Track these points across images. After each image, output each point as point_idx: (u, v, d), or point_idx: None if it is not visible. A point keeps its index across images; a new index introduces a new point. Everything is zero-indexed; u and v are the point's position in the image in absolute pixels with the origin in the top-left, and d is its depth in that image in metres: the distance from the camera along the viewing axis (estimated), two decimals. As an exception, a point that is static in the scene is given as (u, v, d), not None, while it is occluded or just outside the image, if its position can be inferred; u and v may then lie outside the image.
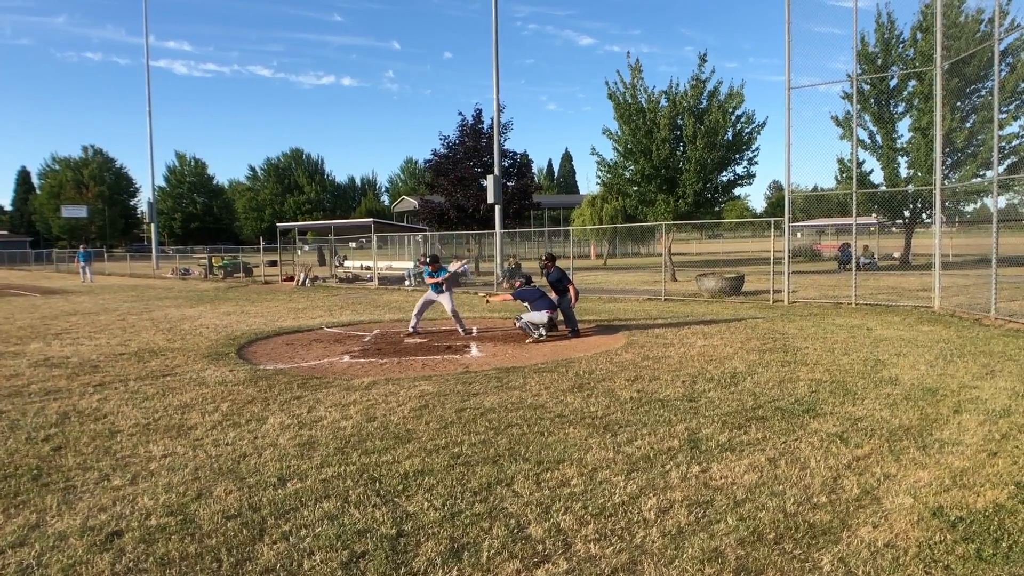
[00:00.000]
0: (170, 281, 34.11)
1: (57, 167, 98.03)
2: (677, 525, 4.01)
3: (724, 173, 26.75)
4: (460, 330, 12.29)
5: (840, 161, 29.37)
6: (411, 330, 12.33)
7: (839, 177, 29.62)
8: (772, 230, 18.13)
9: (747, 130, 25.78)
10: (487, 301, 15.25)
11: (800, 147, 16.32)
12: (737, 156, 26.27)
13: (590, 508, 4.26)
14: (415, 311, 12.56)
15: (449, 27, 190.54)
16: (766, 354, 9.53)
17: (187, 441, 5.86)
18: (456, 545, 3.79)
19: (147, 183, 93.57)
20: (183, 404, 7.19)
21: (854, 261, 17.19)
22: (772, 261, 17.39)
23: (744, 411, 6.50)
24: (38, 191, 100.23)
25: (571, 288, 12.10)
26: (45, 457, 5.48)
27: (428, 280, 12.70)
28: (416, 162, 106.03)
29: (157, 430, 6.22)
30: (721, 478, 4.75)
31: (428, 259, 13.26)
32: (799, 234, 45.20)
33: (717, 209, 29.13)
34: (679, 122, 25.63)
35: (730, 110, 25.28)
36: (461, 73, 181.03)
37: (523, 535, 3.91)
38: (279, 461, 5.28)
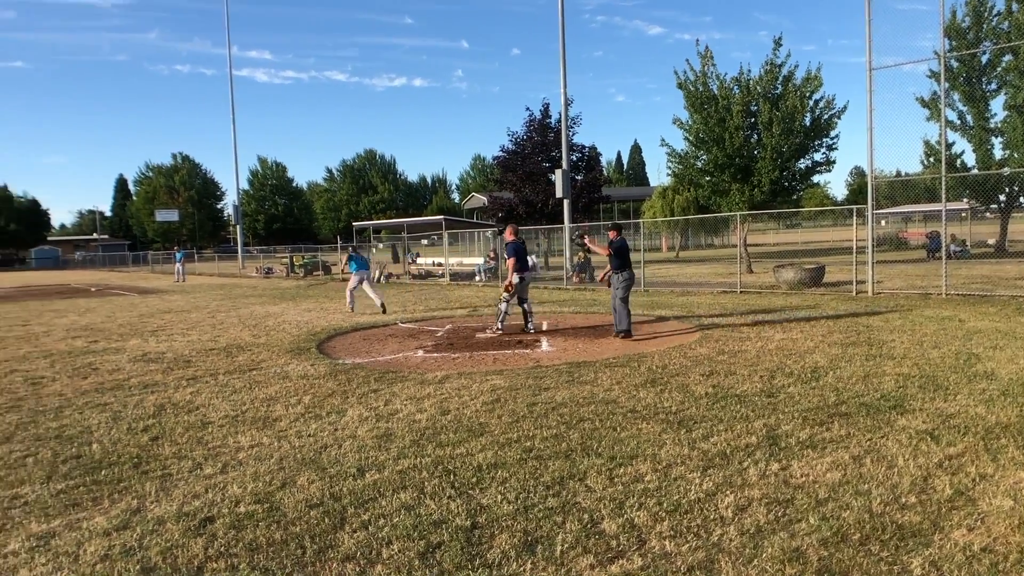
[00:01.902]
0: (255, 280, 35.46)
1: (151, 174, 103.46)
2: (756, 523, 3.92)
3: (802, 160, 25.83)
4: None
5: (927, 144, 28.00)
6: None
7: (926, 161, 28.22)
8: (854, 218, 17.42)
9: (826, 115, 24.84)
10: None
11: (883, 131, 15.72)
12: (816, 142, 25.33)
13: (665, 504, 4.21)
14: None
15: (516, 24, 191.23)
16: (849, 348, 9.20)
17: (272, 432, 6.10)
18: (529, 538, 3.82)
19: (232, 187, 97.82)
20: (268, 397, 7.49)
21: (944, 249, 16.35)
22: (855, 251, 16.72)
23: (826, 407, 6.30)
24: (134, 197, 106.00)
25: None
26: (144, 446, 5.81)
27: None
28: (485, 159, 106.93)
29: (245, 422, 6.50)
30: (802, 476, 4.62)
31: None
32: (883, 222, 43.34)
33: (795, 198, 28.21)
34: (753, 109, 24.92)
35: (807, 95, 24.38)
36: (529, 69, 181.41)
37: (596, 530, 3.90)
38: (358, 452, 5.43)
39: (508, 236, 12.07)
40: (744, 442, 5.35)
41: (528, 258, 16.33)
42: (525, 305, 12.03)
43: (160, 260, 55.86)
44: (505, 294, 11.80)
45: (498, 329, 11.70)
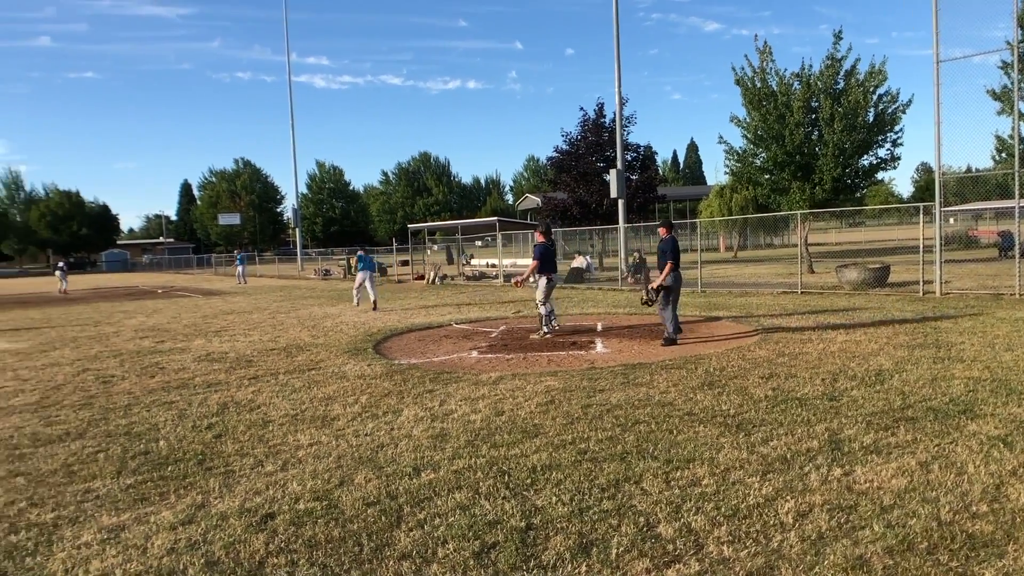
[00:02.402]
0: (313, 281, 36.24)
1: (214, 179, 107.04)
2: (817, 530, 3.82)
3: (865, 157, 25.04)
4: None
5: (998, 138, 26.76)
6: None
7: (997, 156, 27.00)
8: (921, 216, 16.82)
9: (890, 110, 24.04)
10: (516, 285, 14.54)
11: (951, 125, 15.05)
12: (880, 138, 24.53)
13: (723, 509, 4.14)
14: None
15: (570, 24, 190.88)
16: (916, 350, 8.88)
17: (330, 431, 6.22)
18: (585, 541, 3.81)
19: (291, 191, 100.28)
20: (326, 396, 7.64)
21: (1017, 248, 15.64)
22: (921, 250, 16.13)
23: (891, 411, 6.09)
24: (198, 201, 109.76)
25: (668, 264, 10.26)
26: (208, 443, 6.00)
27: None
28: (538, 160, 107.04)
29: (304, 420, 6.64)
30: (866, 482, 4.48)
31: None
32: (952, 219, 41.71)
33: (858, 195, 27.34)
34: (814, 104, 24.29)
35: (871, 89, 23.64)
36: (583, 69, 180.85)
37: (653, 534, 3.86)
38: (414, 452, 5.50)
39: (538, 238, 12.05)
40: (805, 446, 5.22)
41: (582, 258, 16.16)
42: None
43: (223, 263, 57.58)
44: (539, 295, 11.68)
45: (546, 332, 11.66)
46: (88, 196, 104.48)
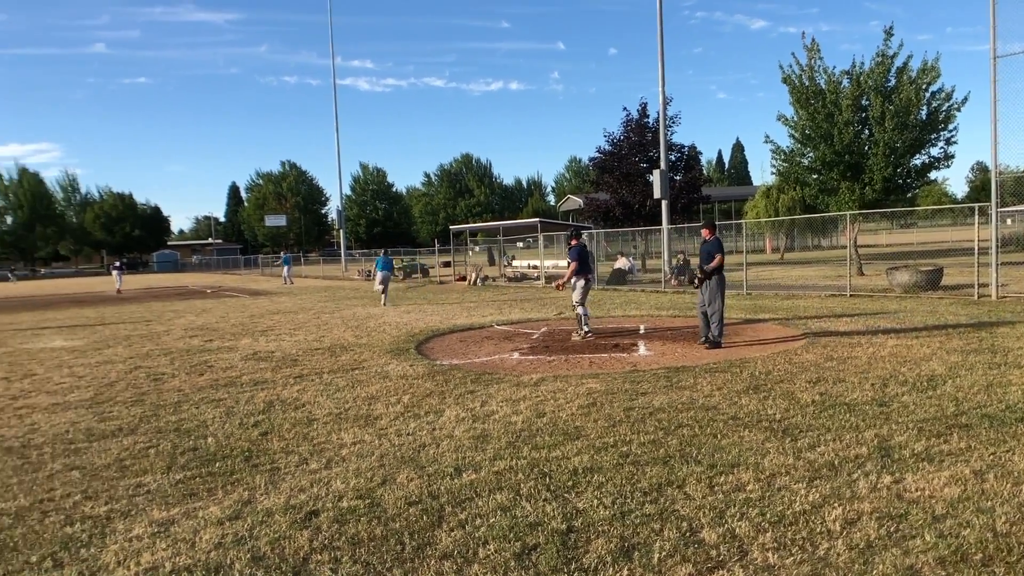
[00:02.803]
0: (356, 282, 36.70)
1: (260, 181, 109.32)
2: (866, 538, 3.73)
3: (917, 156, 24.33)
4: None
5: (1060, 136, 25.78)
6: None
7: (1059, 155, 26.02)
8: (976, 217, 16.29)
9: (944, 107, 23.30)
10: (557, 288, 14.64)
11: (1009, 123, 14.52)
12: (932, 136, 23.79)
13: (768, 515, 4.07)
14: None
15: (613, 23, 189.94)
16: (970, 355, 8.60)
17: (373, 430, 6.29)
18: (626, 544, 3.78)
19: (336, 193, 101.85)
20: (369, 396, 7.73)
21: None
22: (976, 251, 15.62)
23: (944, 418, 5.91)
24: (245, 203, 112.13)
25: (718, 257, 10.27)
26: (254, 441, 6.12)
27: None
28: (581, 160, 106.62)
29: (347, 419, 6.73)
30: (917, 490, 4.36)
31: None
32: (1010, 220, 40.26)
33: (910, 196, 26.59)
34: (864, 103, 23.72)
35: (923, 86, 22.97)
36: (626, 69, 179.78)
37: (696, 539, 3.82)
38: (455, 452, 5.53)
39: (572, 242, 12.26)
40: (854, 453, 5.10)
41: (624, 260, 16.14)
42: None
43: (269, 263, 58.72)
44: (576, 296, 11.82)
45: (586, 332, 11.64)
46: (140, 198, 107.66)
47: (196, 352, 11.79)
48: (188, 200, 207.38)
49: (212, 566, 3.72)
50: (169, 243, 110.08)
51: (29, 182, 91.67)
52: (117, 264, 37.40)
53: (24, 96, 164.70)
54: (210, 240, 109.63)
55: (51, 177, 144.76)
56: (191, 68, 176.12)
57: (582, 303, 11.75)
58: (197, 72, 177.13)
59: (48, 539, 4.15)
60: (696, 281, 11.15)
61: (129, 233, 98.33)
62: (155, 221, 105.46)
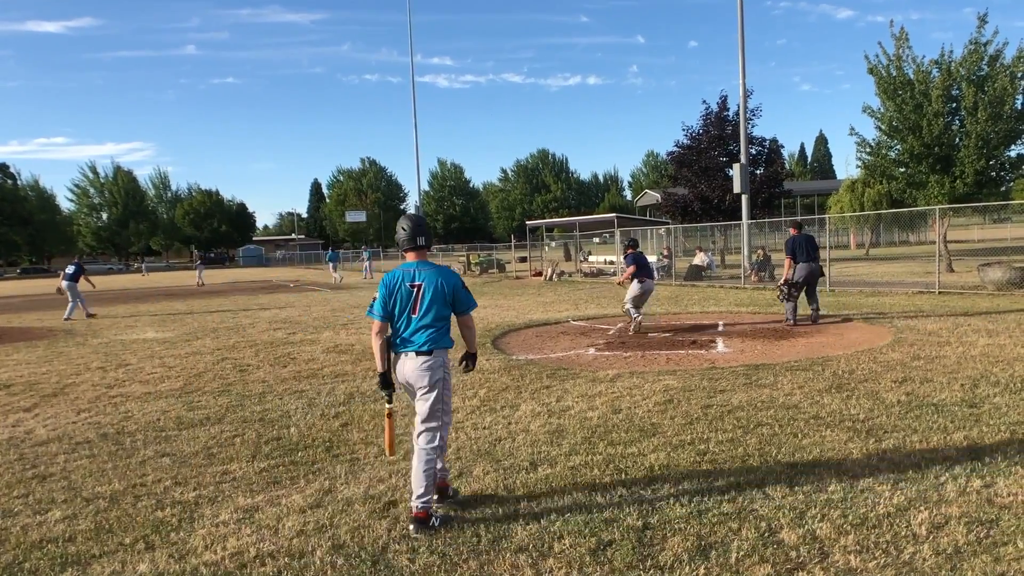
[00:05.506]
0: (432, 277, 37.19)
1: (341, 178, 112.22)
2: (954, 543, 3.54)
3: (1013, 147, 22.95)
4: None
5: None
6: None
7: None
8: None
9: (1043, 97, 21.87)
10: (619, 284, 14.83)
11: None
12: (1030, 127, 22.39)
13: (850, 517, 3.92)
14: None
15: (693, 16, 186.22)
16: (1080, 357, 8.03)
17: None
18: (703, 543, 3.70)
19: (414, 188, 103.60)
20: (445, 390, 7.81)
21: None
22: (1088, 246, 14.57)
23: (1050, 422, 5.54)
24: (327, 199, 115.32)
25: (787, 260, 11.96)
26: (335, 431, 6.29)
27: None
28: (658, 155, 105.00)
29: (424, 412, 6.81)
30: (1009, 495, 4.10)
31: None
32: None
33: (1003, 189, 25.07)
34: (955, 93, 22.46)
35: (1019, 74, 21.61)
36: (707, 61, 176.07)
37: (775, 539, 3.70)
38: (531, 446, 5.53)
39: (628, 250, 12.60)
40: (941, 455, 4.85)
41: (703, 255, 15.96)
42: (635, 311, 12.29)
43: (350, 258, 60.27)
44: (628, 295, 12.16)
45: (637, 318, 11.98)
46: (227, 195, 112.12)
47: (280, 344, 12.21)
48: (272, 196, 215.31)
49: (295, 553, 3.84)
50: (254, 239, 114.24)
51: (124, 180, 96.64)
52: (199, 259, 39.49)
53: (120, 97, 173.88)
54: (293, 236, 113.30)
55: (144, 175, 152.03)
56: (277, 68, 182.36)
57: (633, 304, 12.06)
58: (283, 72, 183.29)
59: (140, 522, 4.37)
60: (784, 293, 11.94)
61: (216, 229, 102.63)
62: (241, 217, 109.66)
